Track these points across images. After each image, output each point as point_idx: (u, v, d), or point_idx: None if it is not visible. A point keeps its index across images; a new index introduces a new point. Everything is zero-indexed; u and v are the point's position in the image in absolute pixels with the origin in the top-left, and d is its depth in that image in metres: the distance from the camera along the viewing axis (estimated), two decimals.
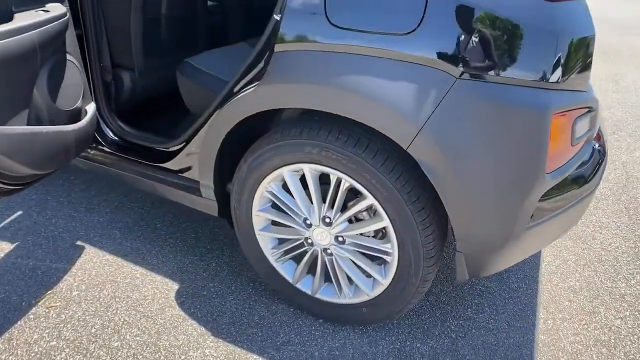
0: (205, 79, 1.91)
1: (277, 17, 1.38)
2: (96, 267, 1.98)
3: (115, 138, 2.03)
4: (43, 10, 1.56)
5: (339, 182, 1.48)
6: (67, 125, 1.65)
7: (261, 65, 1.44)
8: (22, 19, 1.44)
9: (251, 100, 1.47)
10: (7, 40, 1.36)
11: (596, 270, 2.03)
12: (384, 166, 1.36)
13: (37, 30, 1.46)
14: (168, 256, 2.06)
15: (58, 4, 1.64)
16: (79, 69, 1.75)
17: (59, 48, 1.63)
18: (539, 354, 1.63)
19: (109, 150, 2.01)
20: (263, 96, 1.45)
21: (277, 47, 1.39)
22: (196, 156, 1.74)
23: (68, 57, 1.68)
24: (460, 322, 1.76)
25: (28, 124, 1.50)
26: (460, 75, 1.19)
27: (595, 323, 1.76)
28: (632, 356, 1.62)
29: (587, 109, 1.34)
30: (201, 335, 1.68)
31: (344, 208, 1.53)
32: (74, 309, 1.78)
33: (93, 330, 1.69)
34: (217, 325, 1.72)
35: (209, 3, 2.62)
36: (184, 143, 1.78)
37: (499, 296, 1.87)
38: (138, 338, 1.67)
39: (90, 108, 1.85)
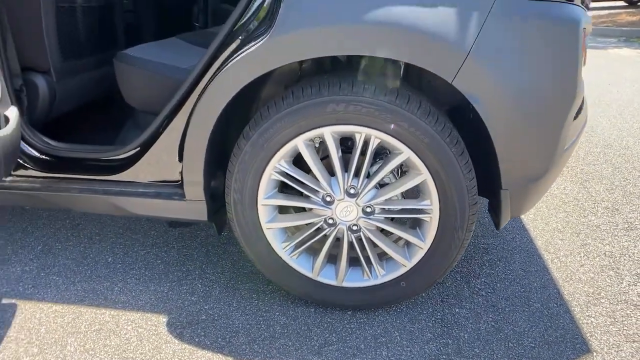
0: (151, 66, 1.63)
1: None
2: (44, 323, 1.51)
3: (41, 155, 1.61)
4: None
5: (365, 144, 1.34)
6: None
7: (266, 11, 1.26)
8: None
9: (259, 57, 1.26)
10: None
11: (566, 211, 2.16)
12: (420, 110, 1.27)
13: None
14: (137, 289, 1.66)
15: None
16: None
17: None
18: (564, 289, 1.64)
19: (36, 171, 1.58)
20: (276, 49, 1.25)
21: None
22: (172, 151, 1.45)
23: None
24: (482, 279, 1.70)
25: None
26: None
27: (591, 253, 1.85)
28: (634, 272, 1.73)
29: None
30: None
31: (367, 175, 1.39)
32: None
33: None
34: (235, 348, 1.41)
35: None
36: (151, 140, 1.47)
37: (502, 249, 1.87)
38: None
39: (12, 114, 1.44)
